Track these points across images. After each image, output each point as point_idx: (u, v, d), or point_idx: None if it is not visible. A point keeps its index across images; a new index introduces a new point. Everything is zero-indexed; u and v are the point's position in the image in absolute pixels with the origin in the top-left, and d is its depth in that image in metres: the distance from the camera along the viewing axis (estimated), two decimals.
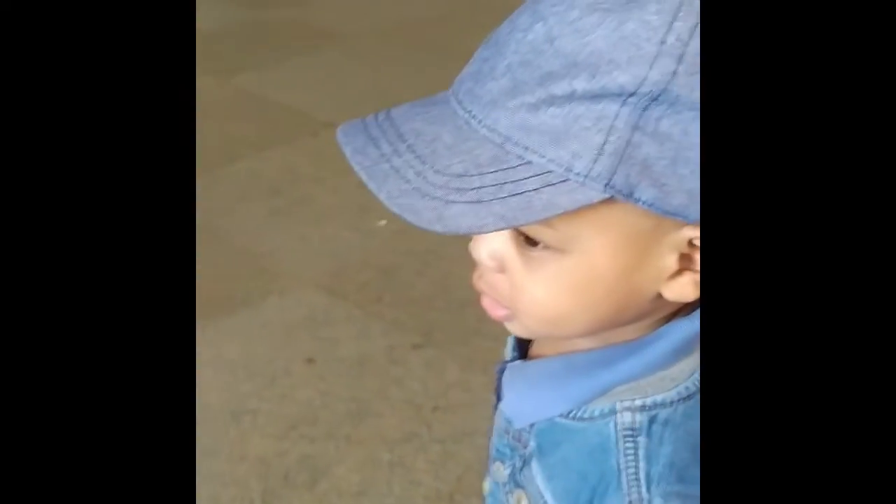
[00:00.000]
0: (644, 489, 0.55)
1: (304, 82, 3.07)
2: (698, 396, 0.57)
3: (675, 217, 0.50)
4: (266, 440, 1.65)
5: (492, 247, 0.54)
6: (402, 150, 0.51)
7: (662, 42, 0.47)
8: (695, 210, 0.49)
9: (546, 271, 0.53)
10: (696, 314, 0.57)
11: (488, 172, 0.49)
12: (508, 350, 0.68)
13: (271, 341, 1.91)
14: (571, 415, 0.59)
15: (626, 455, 0.56)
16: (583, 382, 0.58)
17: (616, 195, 0.48)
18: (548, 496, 0.59)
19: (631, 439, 0.56)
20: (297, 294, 2.04)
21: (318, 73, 3.26)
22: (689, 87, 0.47)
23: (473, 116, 0.50)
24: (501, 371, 0.67)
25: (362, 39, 3.58)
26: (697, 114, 0.47)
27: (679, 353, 0.57)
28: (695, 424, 0.55)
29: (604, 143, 0.47)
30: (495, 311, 0.57)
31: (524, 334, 0.60)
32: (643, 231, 0.52)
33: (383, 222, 2.29)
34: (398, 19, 3.73)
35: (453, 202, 0.49)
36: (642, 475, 0.55)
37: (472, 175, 0.49)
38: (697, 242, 0.52)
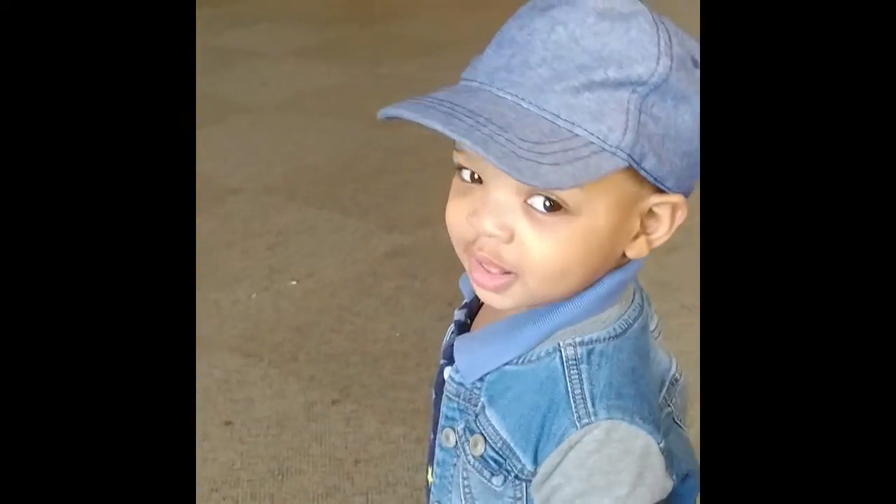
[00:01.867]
0: (590, 405, 0.64)
1: (211, 151, 3.08)
2: (625, 335, 0.68)
3: (661, 184, 0.63)
4: None
5: (501, 219, 0.63)
6: (482, 122, 0.59)
7: (658, 45, 0.61)
8: (672, 180, 0.64)
9: (559, 233, 0.63)
10: (621, 269, 0.68)
11: (554, 141, 0.59)
12: (448, 334, 0.78)
13: None
14: (520, 360, 0.68)
15: (571, 381, 0.66)
16: (530, 330, 0.67)
17: (633, 163, 0.61)
18: (503, 433, 0.67)
19: (575, 367, 0.66)
20: (210, 358, 2.03)
21: (224, 141, 3.28)
22: (678, 80, 0.61)
23: (522, 99, 0.60)
24: (449, 345, 0.76)
25: (266, 111, 3.63)
26: (678, 101, 0.61)
27: (610, 299, 0.68)
28: (623, 356, 0.67)
29: (626, 121, 0.59)
30: (493, 281, 0.65)
31: (514, 302, 0.67)
32: (630, 196, 0.64)
33: (294, 282, 2.31)
34: (299, 91, 3.80)
35: (541, 164, 0.58)
36: (587, 394, 0.65)
37: (544, 143, 0.58)
38: (656, 210, 0.65)
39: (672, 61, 0.61)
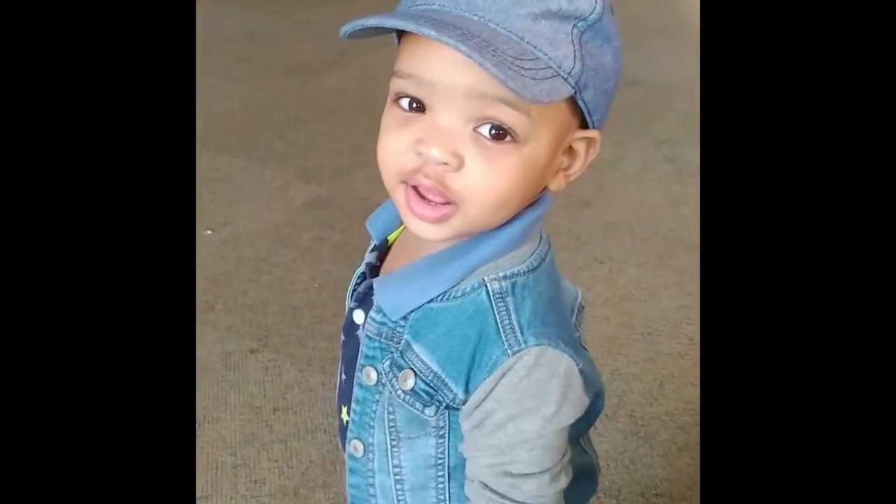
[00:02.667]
0: (519, 333, 0.68)
1: None
2: (541, 268, 0.72)
3: (591, 117, 0.67)
4: None
5: (452, 146, 0.64)
6: (467, 34, 0.60)
7: None
8: (599, 113, 0.68)
9: (505, 162, 0.64)
10: (534, 207, 0.71)
11: (526, 59, 0.61)
12: (355, 277, 0.81)
13: None
14: (445, 296, 0.70)
15: (499, 312, 0.69)
16: (454, 266, 0.70)
17: (577, 92, 0.64)
18: (434, 366, 0.70)
19: (501, 300, 0.69)
20: None
21: None
22: (608, 21, 0.65)
23: (489, 20, 0.62)
24: (358, 284, 0.79)
25: None
26: (604, 41, 0.65)
27: (525, 235, 0.72)
28: (541, 288, 0.71)
29: (574, 52, 0.63)
30: (435, 212, 0.66)
31: (449, 233, 0.68)
32: (564, 128, 0.67)
33: (209, 231, 2.28)
34: (210, 36, 3.70)
35: (524, 77, 0.60)
36: (515, 324, 0.68)
37: (520, 59, 0.60)
38: (574, 145, 0.69)
39: (605, 2, 0.65)
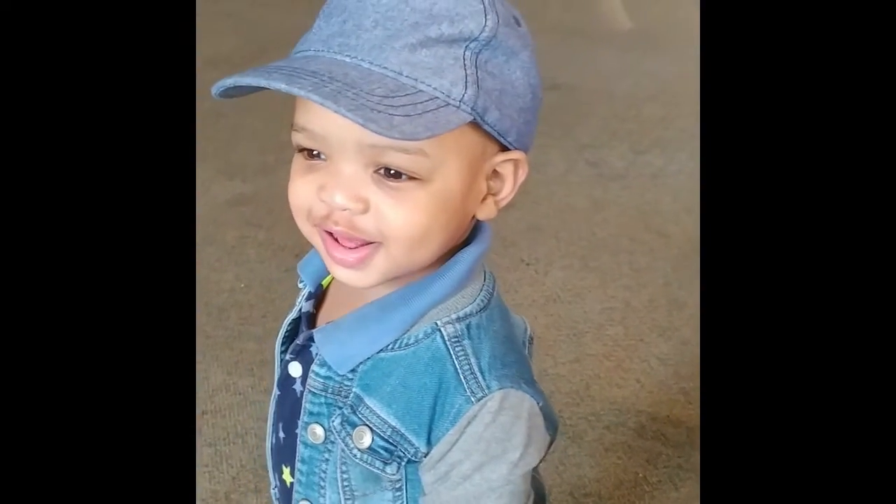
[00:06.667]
0: (481, 378, 0.66)
1: None
2: (490, 305, 0.70)
3: (504, 138, 0.65)
4: None
5: (354, 191, 0.62)
6: (327, 80, 0.58)
7: (482, 2, 0.62)
8: (513, 134, 0.65)
9: (414, 197, 0.62)
10: (477, 242, 0.70)
11: (401, 96, 0.59)
12: (285, 325, 0.77)
13: None
14: (397, 344, 0.68)
15: (458, 357, 0.66)
16: (403, 311, 0.67)
17: (477, 117, 0.62)
18: (391, 420, 0.67)
19: (458, 343, 0.67)
20: None
21: None
22: (507, 35, 0.63)
23: (362, 60, 0.60)
24: (289, 333, 0.75)
25: None
26: (509, 57, 0.63)
27: (472, 274, 0.69)
28: (496, 326, 0.69)
29: (466, 76, 0.61)
30: (354, 255, 0.64)
31: (376, 276, 0.65)
32: (476, 156, 0.65)
33: None
34: None
35: (393, 115, 0.57)
36: (476, 368, 0.66)
37: (392, 97, 0.58)
38: (499, 169, 0.67)
39: (498, 17, 0.62)
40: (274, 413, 0.77)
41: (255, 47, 3.48)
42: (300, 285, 0.80)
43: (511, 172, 0.68)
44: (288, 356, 0.74)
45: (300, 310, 0.76)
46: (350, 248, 0.64)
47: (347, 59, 0.60)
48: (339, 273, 0.66)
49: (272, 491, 0.82)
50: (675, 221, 2.49)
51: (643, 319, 2.05)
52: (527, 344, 0.79)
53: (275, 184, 2.48)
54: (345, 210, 0.63)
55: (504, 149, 0.67)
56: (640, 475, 1.60)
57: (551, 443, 0.73)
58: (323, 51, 0.61)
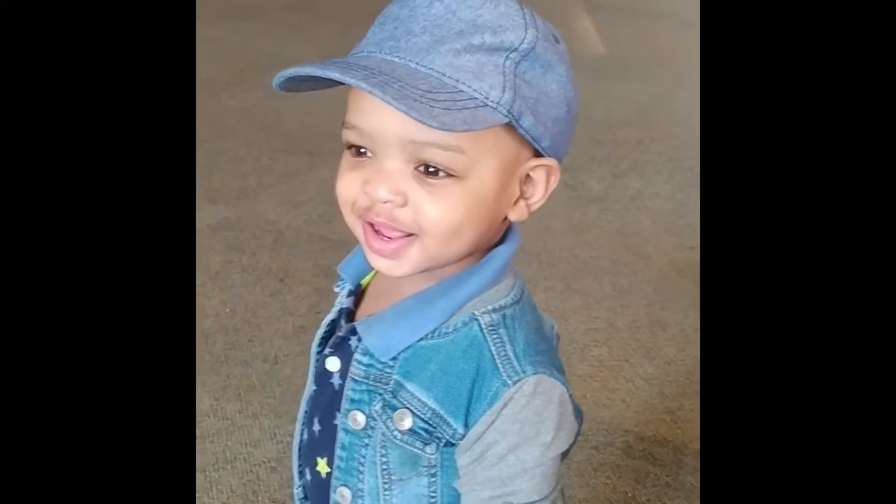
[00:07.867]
0: (516, 363, 0.71)
1: None
2: (522, 300, 0.75)
3: (538, 143, 0.70)
4: None
5: (395, 185, 0.68)
6: (376, 73, 0.63)
7: (524, 17, 0.68)
8: (547, 140, 0.71)
9: (449, 194, 0.68)
10: (510, 241, 0.75)
11: (443, 92, 0.65)
12: (324, 325, 0.82)
13: None
14: (436, 333, 0.73)
15: (495, 344, 0.71)
16: (443, 303, 0.73)
17: (512, 119, 0.67)
18: (431, 403, 0.72)
19: (495, 332, 0.72)
20: None
21: None
22: (545, 49, 0.69)
23: (410, 60, 0.66)
24: (328, 331, 0.80)
25: None
26: (546, 69, 0.69)
27: (505, 270, 0.75)
28: (528, 318, 0.75)
29: (504, 82, 0.67)
30: (391, 245, 0.69)
31: (410, 267, 0.71)
32: (511, 159, 0.70)
33: None
34: None
35: (433, 107, 0.63)
36: (511, 354, 0.71)
37: (434, 92, 0.64)
38: (532, 174, 0.72)
39: (538, 32, 0.68)
40: (308, 409, 0.82)
41: (235, 72, 3.48)
42: (336, 288, 0.84)
43: (543, 178, 0.73)
44: (327, 350, 0.78)
45: (339, 308, 0.82)
46: (387, 240, 0.69)
47: (397, 60, 0.66)
48: (377, 262, 0.71)
49: (296, 490, 0.85)
50: (655, 243, 2.53)
51: (627, 340, 2.07)
52: (555, 339, 0.83)
53: (257, 208, 2.48)
54: (386, 203, 0.68)
55: (538, 155, 0.71)
56: (630, 495, 1.62)
57: (578, 431, 0.77)
58: (375, 52, 0.68)
